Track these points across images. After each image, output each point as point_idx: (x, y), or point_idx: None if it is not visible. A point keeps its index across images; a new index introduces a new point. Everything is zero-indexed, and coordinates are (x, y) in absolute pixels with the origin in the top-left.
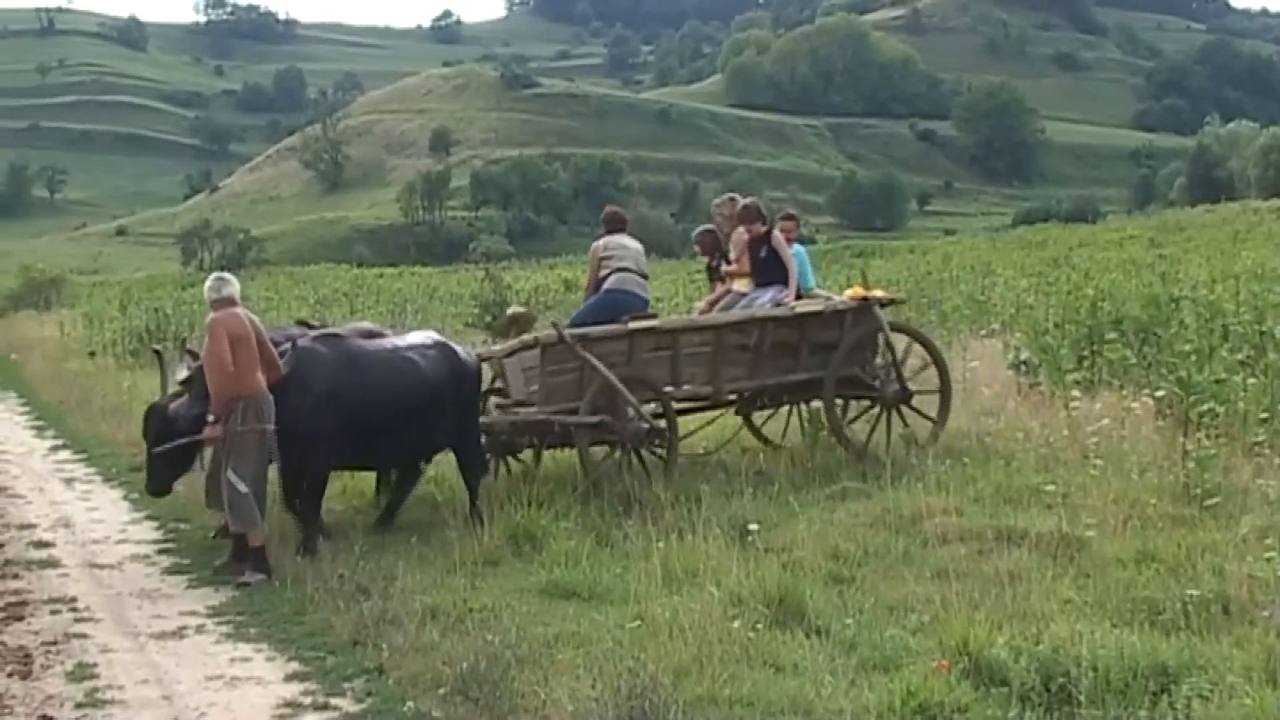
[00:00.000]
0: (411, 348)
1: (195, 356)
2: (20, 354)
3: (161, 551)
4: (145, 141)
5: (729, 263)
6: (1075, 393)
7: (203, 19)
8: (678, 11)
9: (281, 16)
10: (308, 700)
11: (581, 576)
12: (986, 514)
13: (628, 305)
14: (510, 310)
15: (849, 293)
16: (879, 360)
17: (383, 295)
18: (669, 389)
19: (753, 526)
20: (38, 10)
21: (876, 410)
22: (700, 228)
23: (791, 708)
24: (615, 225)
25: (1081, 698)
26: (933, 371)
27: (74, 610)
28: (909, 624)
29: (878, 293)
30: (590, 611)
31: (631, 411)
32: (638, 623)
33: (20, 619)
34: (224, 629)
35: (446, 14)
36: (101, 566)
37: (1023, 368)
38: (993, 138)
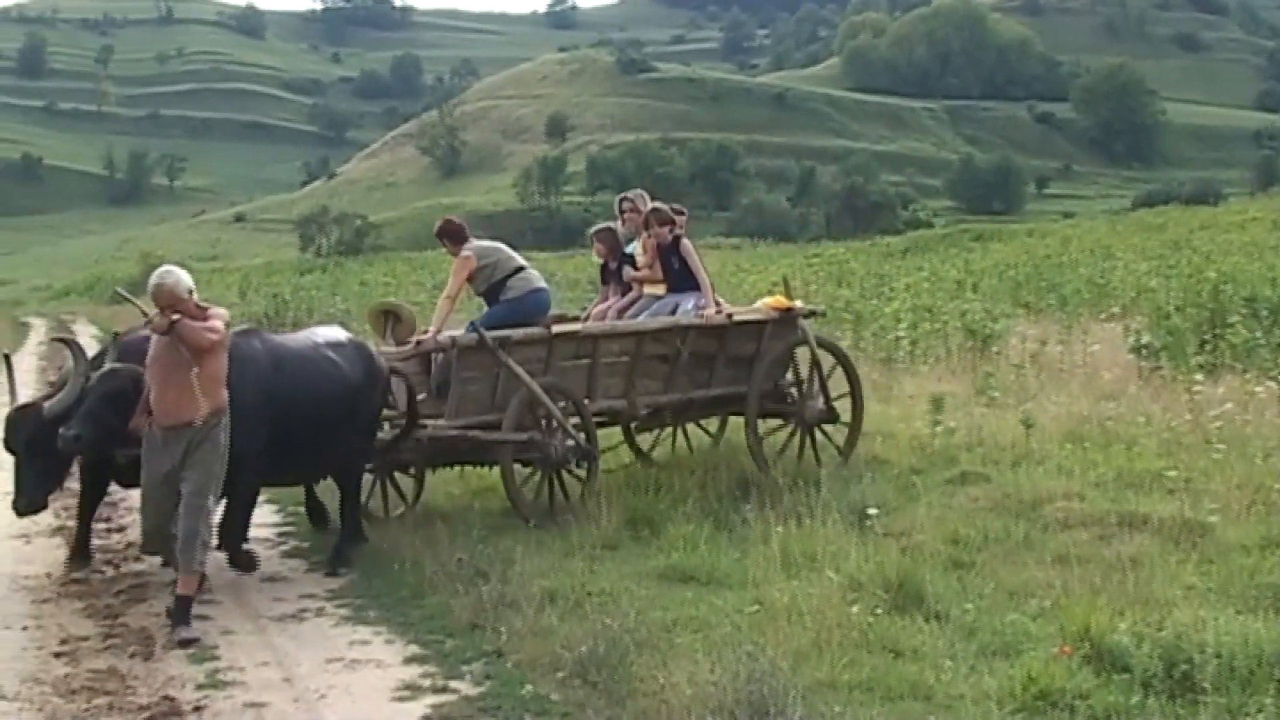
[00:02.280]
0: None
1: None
2: None
3: (281, 535)
4: (263, 129)
5: (634, 266)
6: (1198, 376)
7: (320, 6)
8: None
9: (398, 3)
10: (426, 683)
11: (700, 561)
12: (1108, 499)
13: (545, 306)
14: (378, 302)
15: (766, 302)
16: (789, 377)
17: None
18: (585, 402)
19: (872, 511)
20: (157, 0)
21: (791, 430)
22: (599, 225)
23: (911, 693)
24: (461, 236)
25: (1205, 685)
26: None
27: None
28: (1029, 609)
29: (798, 303)
30: (709, 596)
31: (556, 427)
32: (756, 607)
33: (142, 600)
34: (343, 612)
35: None
36: (222, 550)
37: (1143, 351)
38: (1112, 119)
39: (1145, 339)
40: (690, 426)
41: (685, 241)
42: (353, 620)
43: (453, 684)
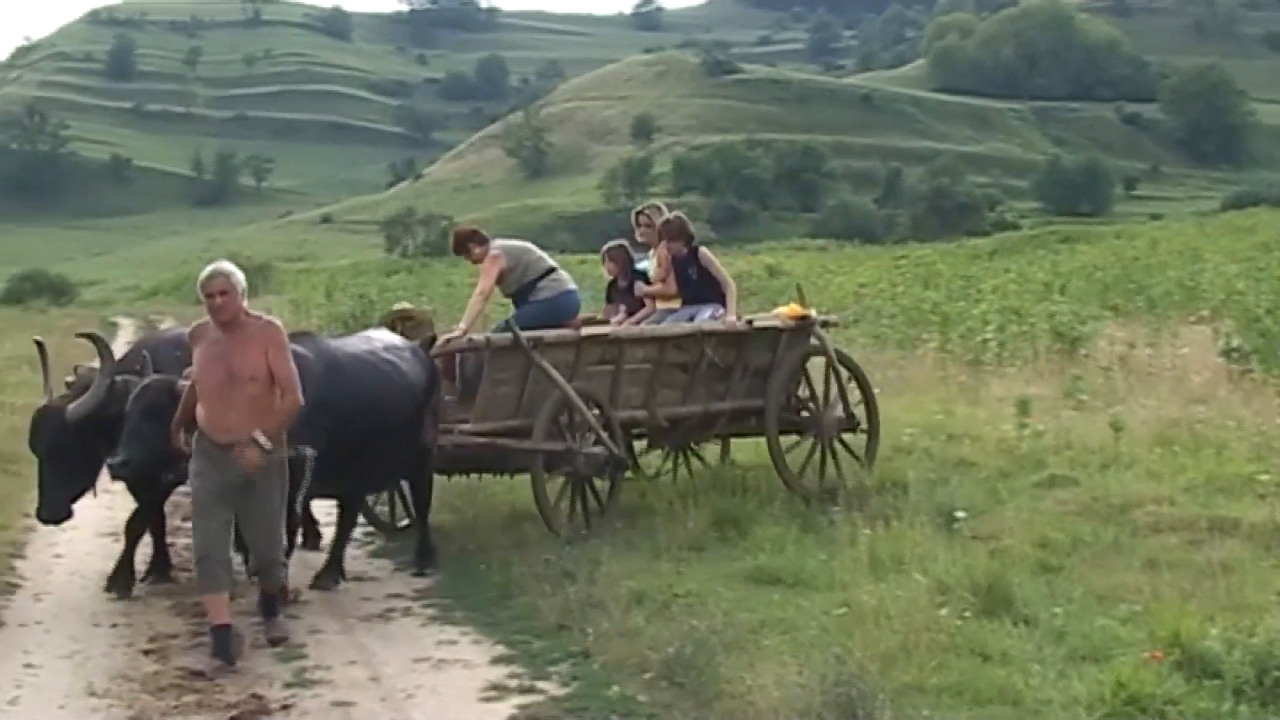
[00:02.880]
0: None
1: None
2: None
3: (368, 535)
4: (350, 130)
5: (647, 282)
6: None
7: (406, 8)
8: None
9: (483, 4)
10: (513, 683)
11: (787, 563)
12: (1198, 503)
13: (575, 309)
14: (395, 307)
15: (783, 310)
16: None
17: (585, 282)
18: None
19: (960, 514)
20: (244, 2)
21: (811, 444)
22: (611, 242)
23: (1000, 697)
24: (481, 237)
25: None
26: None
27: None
28: (1119, 614)
29: (813, 311)
30: (796, 598)
31: (589, 434)
32: (844, 610)
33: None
34: (430, 612)
35: (647, 1)
36: (309, 550)
37: (1233, 354)
38: (1201, 120)
39: (1235, 342)
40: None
41: (705, 250)
42: (440, 620)
43: (539, 684)
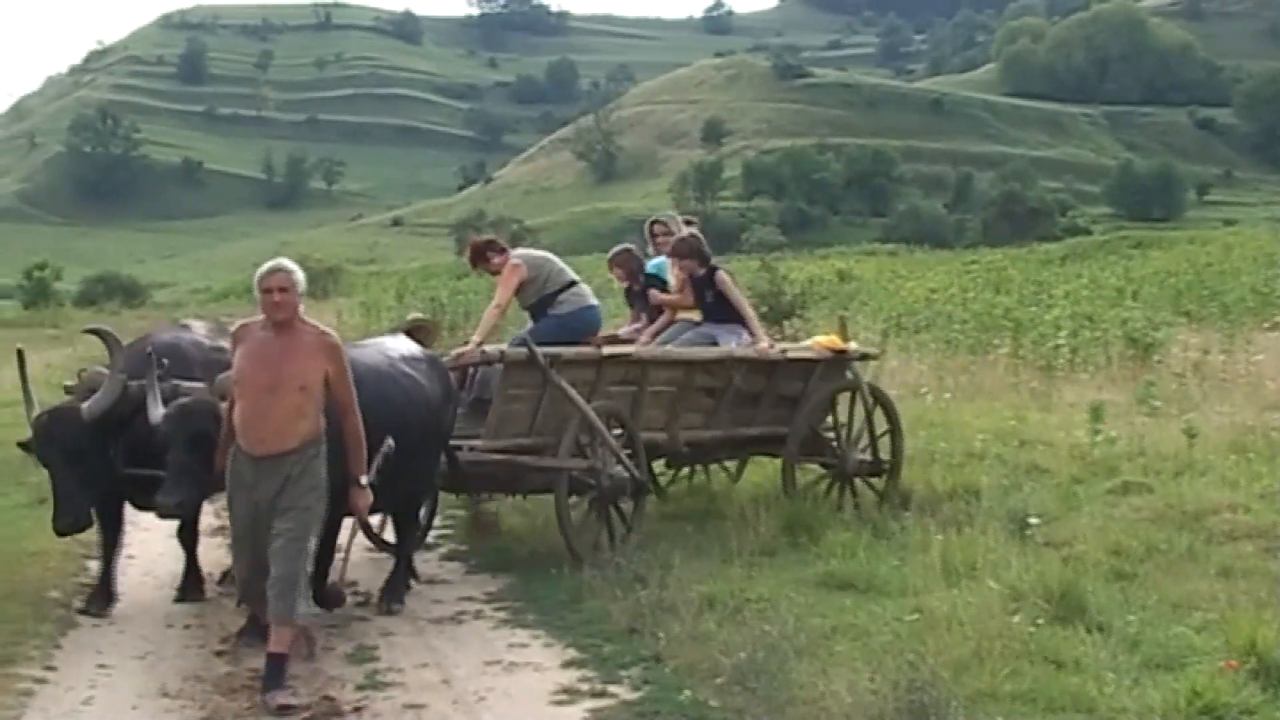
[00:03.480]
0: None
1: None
2: None
3: (439, 538)
4: (420, 133)
5: (662, 285)
6: None
7: (476, 12)
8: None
9: (554, 9)
10: (584, 687)
11: (858, 568)
12: (1273, 510)
13: (596, 325)
14: (410, 317)
15: (819, 340)
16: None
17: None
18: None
19: (1033, 520)
20: (315, 5)
21: (830, 480)
22: (617, 247)
23: (1073, 705)
24: (499, 246)
25: None
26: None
27: (355, 594)
28: (1194, 622)
29: (852, 344)
30: (867, 604)
31: (610, 456)
32: (916, 616)
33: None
34: (501, 615)
35: (718, 4)
36: (381, 553)
37: None
38: (1275, 125)
39: None
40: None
41: (722, 274)
42: (511, 623)
43: (611, 688)
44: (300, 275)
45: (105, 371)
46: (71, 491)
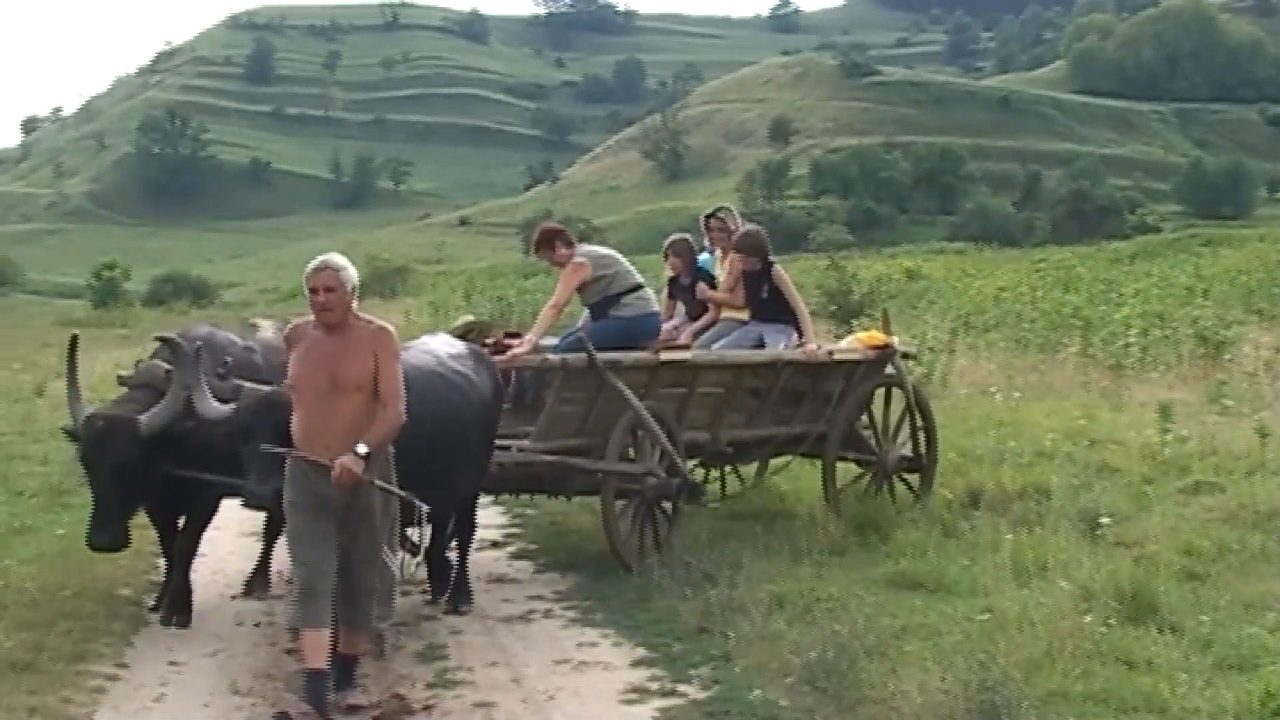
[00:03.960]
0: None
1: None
2: None
3: (509, 537)
4: (488, 133)
5: (710, 280)
6: None
7: (543, 11)
8: None
9: (620, 7)
10: (654, 686)
11: (928, 568)
12: None
13: (656, 333)
14: (462, 320)
15: (860, 337)
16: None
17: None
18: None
19: (1104, 520)
20: (382, 5)
21: (869, 477)
22: (674, 235)
23: (1145, 706)
24: (568, 239)
25: None
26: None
27: (425, 593)
28: (1267, 623)
29: (894, 339)
30: (938, 603)
31: (661, 458)
32: (986, 615)
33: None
34: (570, 614)
35: (785, 3)
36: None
37: None
38: None
39: None
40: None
41: (780, 270)
42: (580, 622)
43: (680, 688)
44: (350, 272)
45: (162, 365)
46: (113, 508)
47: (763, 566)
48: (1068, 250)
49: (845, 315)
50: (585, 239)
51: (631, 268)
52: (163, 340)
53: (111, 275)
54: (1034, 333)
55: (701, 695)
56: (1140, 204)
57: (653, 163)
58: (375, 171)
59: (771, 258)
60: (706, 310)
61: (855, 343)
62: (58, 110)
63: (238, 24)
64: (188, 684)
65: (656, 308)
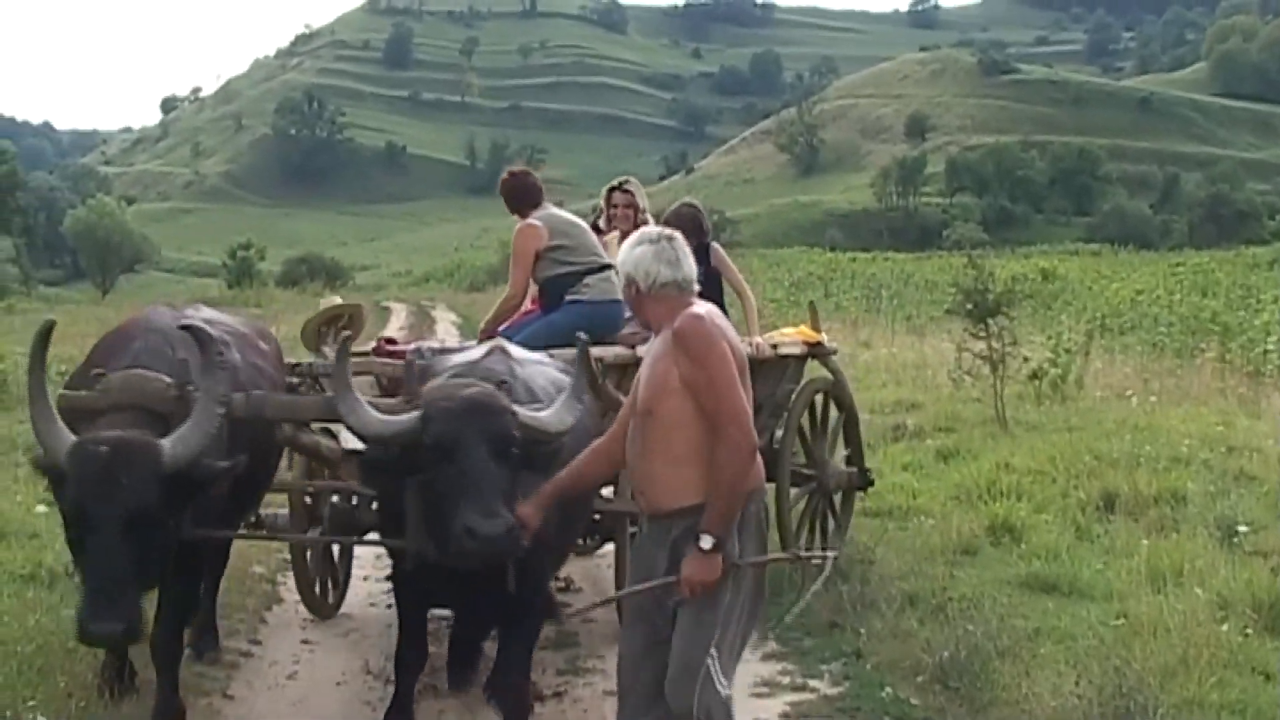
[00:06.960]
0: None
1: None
2: None
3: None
4: (623, 122)
5: None
6: None
7: (681, 2)
8: None
9: (759, 0)
10: (785, 680)
11: (1062, 570)
12: None
13: (618, 325)
14: (324, 303)
15: (789, 331)
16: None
17: (857, 280)
18: None
19: (1241, 528)
20: None
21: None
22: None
23: None
24: (535, 197)
25: None
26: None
27: (556, 580)
28: None
29: (823, 336)
30: (1071, 606)
31: None
32: (1121, 620)
33: None
34: None
35: None
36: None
37: None
38: None
39: None
40: None
41: (718, 247)
42: None
43: (811, 683)
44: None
45: (151, 376)
46: (123, 580)
47: (894, 563)
48: (1205, 254)
49: (981, 315)
50: (720, 230)
51: (600, 246)
52: (187, 330)
53: (246, 255)
54: (1171, 337)
55: (832, 691)
56: None
57: (787, 156)
58: (510, 158)
59: (708, 239)
60: None
61: (788, 335)
62: (197, 90)
63: (377, 8)
64: (320, 663)
65: (620, 297)
